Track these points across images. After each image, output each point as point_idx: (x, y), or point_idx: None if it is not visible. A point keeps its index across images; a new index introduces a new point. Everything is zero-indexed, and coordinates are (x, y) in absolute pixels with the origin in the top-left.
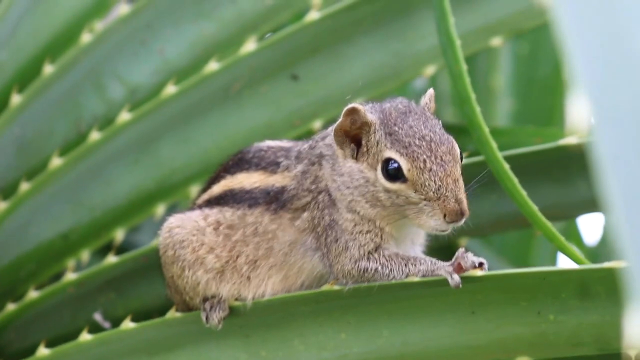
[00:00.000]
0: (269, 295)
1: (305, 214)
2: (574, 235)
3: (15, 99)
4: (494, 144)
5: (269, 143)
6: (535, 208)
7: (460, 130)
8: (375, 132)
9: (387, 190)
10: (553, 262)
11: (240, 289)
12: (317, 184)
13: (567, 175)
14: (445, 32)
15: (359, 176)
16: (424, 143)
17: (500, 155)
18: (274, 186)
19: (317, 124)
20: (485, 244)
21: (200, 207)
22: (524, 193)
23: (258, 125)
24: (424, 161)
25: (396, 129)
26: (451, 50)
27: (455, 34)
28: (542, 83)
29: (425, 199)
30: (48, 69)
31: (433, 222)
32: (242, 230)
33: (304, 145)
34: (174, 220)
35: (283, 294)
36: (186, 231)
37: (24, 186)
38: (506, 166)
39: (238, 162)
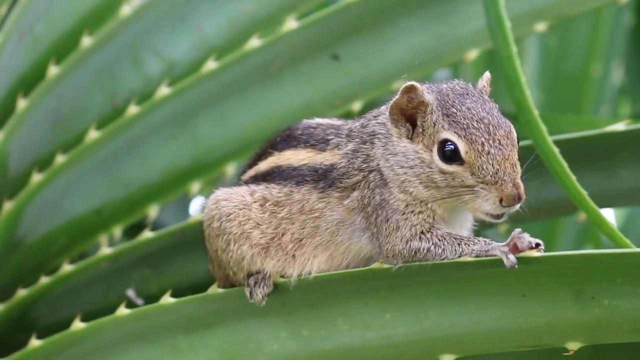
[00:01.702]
0: (314, 274)
1: (355, 193)
2: (592, 233)
3: (52, 71)
4: (543, 127)
5: (319, 120)
6: (584, 193)
7: None
8: (432, 113)
9: (442, 172)
10: None
11: (285, 267)
12: (369, 162)
13: (611, 163)
14: (495, 13)
15: (414, 156)
16: (482, 126)
17: (549, 138)
18: (323, 164)
19: (356, 105)
20: (507, 234)
21: (246, 182)
22: (573, 177)
23: (297, 105)
24: (482, 144)
25: (454, 110)
26: (500, 32)
27: (505, 15)
28: (569, 76)
29: (482, 182)
30: (86, 41)
31: (488, 206)
32: (288, 207)
33: (355, 124)
34: (220, 193)
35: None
36: (233, 204)
37: (59, 159)
38: (555, 150)
39: (286, 139)
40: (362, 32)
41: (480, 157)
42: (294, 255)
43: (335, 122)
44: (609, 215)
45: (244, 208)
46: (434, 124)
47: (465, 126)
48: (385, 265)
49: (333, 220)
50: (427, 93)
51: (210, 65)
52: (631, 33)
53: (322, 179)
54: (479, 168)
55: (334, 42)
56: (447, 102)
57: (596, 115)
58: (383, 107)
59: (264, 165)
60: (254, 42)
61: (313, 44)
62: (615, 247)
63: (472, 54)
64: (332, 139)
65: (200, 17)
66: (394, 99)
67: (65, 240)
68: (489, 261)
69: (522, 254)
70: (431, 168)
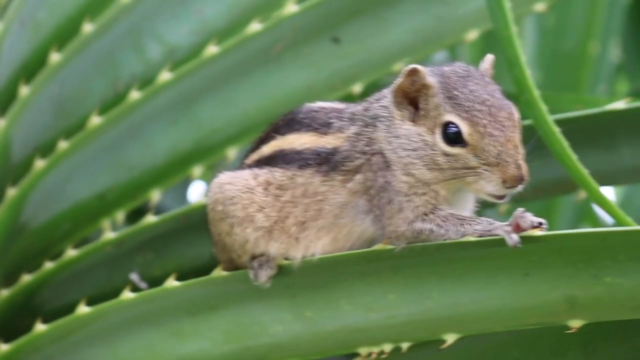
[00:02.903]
0: (318, 256)
1: (358, 176)
2: (589, 212)
3: (54, 57)
4: (543, 107)
5: (321, 104)
6: (585, 171)
7: None
8: (435, 95)
9: (446, 154)
10: None
11: (288, 249)
12: (372, 145)
13: (612, 141)
14: None
15: (417, 139)
16: (484, 107)
17: (550, 118)
18: (326, 147)
19: (357, 87)
20: (508, 214)
21: (250, 166)
22: (574, 156)
23: (298, 88)
24: (485, 126)
25: (457, 92)
26: (500, 13)
27: None
28: (567, 55)
29: (485, 164)
30: (87, 27)
31: (491, 187)
32: (291, 191)
33: (357, 107)
34: (224, 177)
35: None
36: (237, 188)
37: (62, 145)
38: (556, 129)
39: (288, 123)
40: (362, 15)
41: (483, 139)
42: (297, 238)
43: (338, 105)
44: (609, 193)
45: (247, 191)
46: (437, 107)
47: (467, 108)
48: (389, 247)
49: (336, 203)
50: (429, 75)
51: (212, 49)
52: (628, 11)
53: (325, 162)
54: (481, 150)
55: (334, 25)
56: (450, 85)
57: (594, 94)
58: (385, 90)
59: (267, 149)
60: (255, 26)
61: (313, 27)
62: (617, 225)
63: (472, 35)
64: (334, 122)
65: (201, 1)
66: (396, 82)
67: (69, 225)
68: (491, 241)
69: (524, 233)
70: (434, 150)
